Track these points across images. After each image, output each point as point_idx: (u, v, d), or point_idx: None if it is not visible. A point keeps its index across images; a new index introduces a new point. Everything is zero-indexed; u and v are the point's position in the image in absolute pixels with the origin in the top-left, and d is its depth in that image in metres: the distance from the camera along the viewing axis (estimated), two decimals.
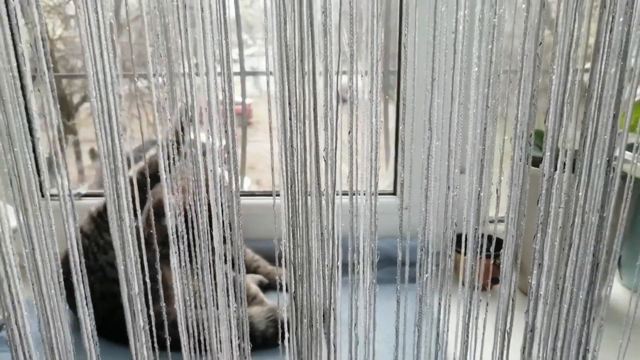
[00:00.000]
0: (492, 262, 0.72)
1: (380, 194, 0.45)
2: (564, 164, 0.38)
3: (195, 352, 0.47)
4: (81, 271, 0.43)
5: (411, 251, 0.45)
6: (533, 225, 0.40)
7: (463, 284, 0.45)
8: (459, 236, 0.45)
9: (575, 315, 0.41)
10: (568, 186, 0.38)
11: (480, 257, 0.45)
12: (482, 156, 0.40)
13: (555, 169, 0.38)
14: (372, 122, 0.39)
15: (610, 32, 0.33)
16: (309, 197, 0.40)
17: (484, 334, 0.45)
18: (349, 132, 0.39)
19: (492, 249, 0.49)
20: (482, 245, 0.44)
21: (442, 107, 0.39)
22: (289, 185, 0.40)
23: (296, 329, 0.44)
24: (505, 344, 0.43)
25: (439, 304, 0.45)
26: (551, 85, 0.36)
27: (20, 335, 0.44)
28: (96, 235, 0.79)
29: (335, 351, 0.44)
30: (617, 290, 0.80)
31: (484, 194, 0.41)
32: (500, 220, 0.42)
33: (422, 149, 0.40)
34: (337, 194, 0.40)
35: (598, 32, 0.34)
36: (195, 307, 0.45)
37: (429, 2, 0.37)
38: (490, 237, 0.47)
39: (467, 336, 0.45)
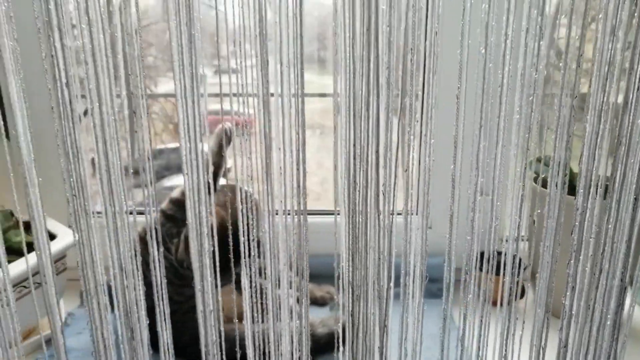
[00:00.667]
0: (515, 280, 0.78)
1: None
2: (595, 199, 0.43)
3: None
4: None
5: (438, 269, 0.50)
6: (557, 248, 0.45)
7: (497, 303, 0.50)
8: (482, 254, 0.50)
9: (604, 333, 0.46)
10: (599, 219, 0.43)
11: (504, 276, 0.50)
12: (522, 192, 0.45)
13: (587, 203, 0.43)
14: (426, 161, 0.44)
15: (638, 90, 0.39)
16: (368, 226, 0.46)
17: (520, 349, 0.50)
18: (406, 170, 0.45)
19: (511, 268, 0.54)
20: (505, 265, 0.49)
21: (488, 148, 0.45)
22: (350, 216, 0.46)
23: (352, 343, 0.49)
24: (541, 358, 0.48)
25: (481, 320, 0.50)
26: (585, 132, 0.42)
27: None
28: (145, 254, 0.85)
29: None
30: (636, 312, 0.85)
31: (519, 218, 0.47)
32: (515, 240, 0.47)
33: (469, 185, 0.46)
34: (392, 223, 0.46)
35: (627, 89, 0.40)
36: (262, 321, 0.51)
37: (478, 59, 0.43)
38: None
39: (505, 350, 0.50)
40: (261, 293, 0.50)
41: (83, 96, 0.44)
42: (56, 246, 0.79)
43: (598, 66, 0.40)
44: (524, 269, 0.55)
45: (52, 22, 0.41)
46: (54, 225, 0.84)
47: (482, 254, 0.50)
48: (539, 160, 0.57)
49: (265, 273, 0.50)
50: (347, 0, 0.40)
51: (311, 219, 0.47)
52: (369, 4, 0.40)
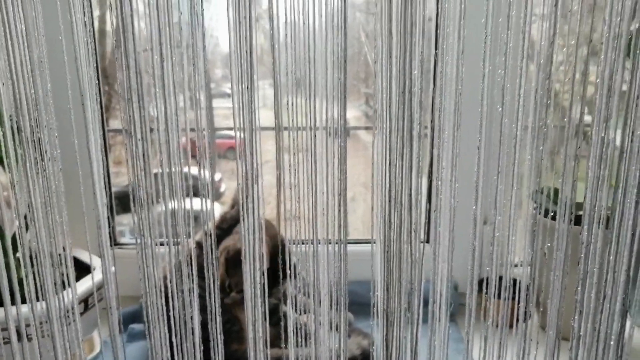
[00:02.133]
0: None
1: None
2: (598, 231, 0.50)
3: None
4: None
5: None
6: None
7: (514, 326, 0.56)
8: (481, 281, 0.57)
9: (608, 352, 0.53)
10: (602, 251, 0.50)
11: (509, 300, 0.56)
12: (535, 228, 0.52)
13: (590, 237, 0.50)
14: (451, 202, 0.51)
15: (632, 141, 0.46)
16: (401, 259, 0.52)
17: None
18: (434, 211, 0.52)
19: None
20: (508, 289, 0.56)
21: (504, 191, 0.52)
22: (385, 251, 0.52)
23: None
24: None
25: (500, 342, 0.56)
26: (587, 175, 0.49)
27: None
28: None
29: None
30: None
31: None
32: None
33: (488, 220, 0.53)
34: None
35: (622, 138, 0.47)
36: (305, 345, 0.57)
37: (495, 116, 0.50)
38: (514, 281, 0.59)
39: None
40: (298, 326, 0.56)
41: None
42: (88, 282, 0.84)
43: (597, 126, 0.47)
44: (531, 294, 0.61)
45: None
46: (89, 258, 0.89)
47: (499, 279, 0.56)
48: (548, 196, 0.64)
49: (306, 297, 0.56)
50: (386, 67, 0.48)
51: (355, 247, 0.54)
52: (404, 69, 0.47)
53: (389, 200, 0.51)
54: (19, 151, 0.51)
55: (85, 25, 0.50)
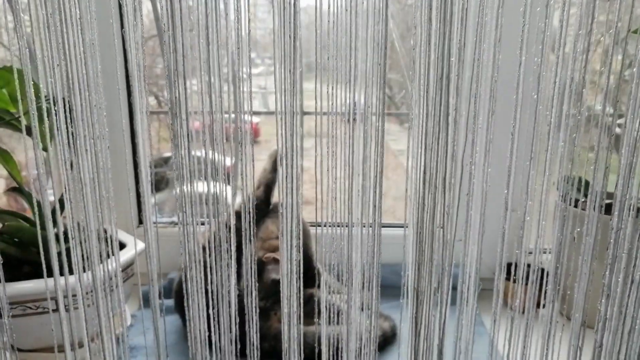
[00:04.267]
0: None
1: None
2: (628, 219, 0.51)
3: None
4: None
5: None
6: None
7: (539, 307, 0.58)
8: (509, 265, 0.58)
9: (633, 335, 0.54)
10: (631, 237, 0.52)
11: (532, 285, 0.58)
12: (565, 213, 0.53)
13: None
14: (483, 186, 0.53)
15: None
16: (433, 241, 0.54)
17: (559, 350, 0.58)
18: (467, 194, 0.53)
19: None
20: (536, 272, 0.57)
21: (535, 177, 0.53)
22: (418, 232, 0.54)
23: (414, 341, 0.57)
24: (578, 356, 0.56)
25: (526, 323, 0.58)
26: (620, 161, 0.50)
27: None
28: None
29: (442, 358, 0.58)
30: None
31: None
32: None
33: (518, 206, 0.54)
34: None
35: None
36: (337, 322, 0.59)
37: (530, 103, 0.51)
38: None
39: (547, 348, 0.58)
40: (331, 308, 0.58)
41: None
42: (127, 254, 0.88)
43: (634, 103, 0.48)
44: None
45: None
46: (123, 236, 0.92)
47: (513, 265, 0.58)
48: (580, 183, 0.65)
49: (339, 280, 0.58)
50: (425, 55, 0.49)
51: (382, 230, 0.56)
52: (442, 57, 0.49)
53: (424, 183, 0.52)
54: (70, 129, 0.53)
55: (135, 9, 0.52)
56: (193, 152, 0.56)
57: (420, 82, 0.50)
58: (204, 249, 0.93)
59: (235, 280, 0.59)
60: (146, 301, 0.62)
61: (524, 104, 0.51)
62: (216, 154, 0.56)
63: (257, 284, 0.59)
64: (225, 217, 0.75)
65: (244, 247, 0.58)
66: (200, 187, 0.58)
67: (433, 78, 0.50)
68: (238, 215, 0.89)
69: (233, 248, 0.57)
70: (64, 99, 0.52)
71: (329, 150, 0.54)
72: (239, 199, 0.88)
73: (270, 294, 0.85)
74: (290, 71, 0.50)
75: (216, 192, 0.59)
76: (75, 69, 0.52)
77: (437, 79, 0.49)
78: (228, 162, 0.58)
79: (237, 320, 0.60)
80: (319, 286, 0.59)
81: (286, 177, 0.53)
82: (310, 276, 0.59)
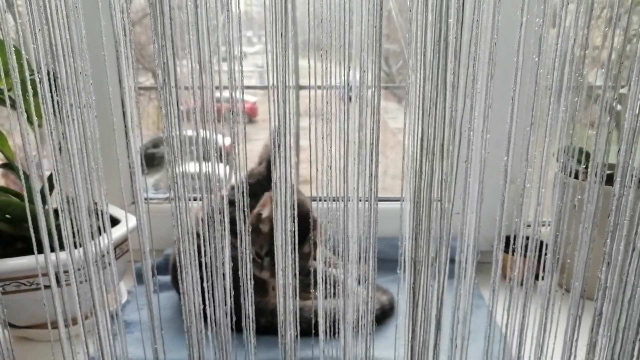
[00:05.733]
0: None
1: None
2: (630, 187, 0.50)
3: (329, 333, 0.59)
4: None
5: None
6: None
7: (538, 279, 0.57)
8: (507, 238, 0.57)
9: (634, 303, 0.53)
10: (633, 203, 0.50)
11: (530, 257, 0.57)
12: (566, 181, 0.52)
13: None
14: (482, 153, 0.51)
15: None
16: (430, 210, 0.53)
17: (558, 320, 0.57)
18: (465, 161, 0.52)
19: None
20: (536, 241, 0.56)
21: (536, 143, 0.52)
22: (415, 201, 0.53)
23: (412, 311, 0.57)
24: (577, 325, 0.55)
25: (525, 293, 0.57)
26: (623, 130, 0.49)
27: None
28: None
29: (441, 328, 0.57)
30: None
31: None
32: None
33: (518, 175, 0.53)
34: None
35: None
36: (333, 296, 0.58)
37: (531, 65, 0.50)
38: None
39: (546, 318, 0.57)
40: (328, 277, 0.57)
41: None
42: (120, 230, 0.87)
43: (637, 72, 0.46)
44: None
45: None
46: (116, 211, 0.91)
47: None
48: (580, 152, 0.64)
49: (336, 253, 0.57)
50: (422, 16, 0.47)
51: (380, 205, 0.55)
52: (441, 18, 0.47)
53: (421, 150, 0.51)
54: (55, 98, 0.51)
55: None
56: (186, 131, 0.54)
57: (417, 45, 0.49)
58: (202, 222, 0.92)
59: (230, 250, 0.58)
60: (141, 277, 0.61)
61: (525, 68, 0.50)
62: (207, 131, 0.55)
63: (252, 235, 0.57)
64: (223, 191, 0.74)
65: (237, 218, 0.56)
66: (194, 165, 0.56)
67: (430, 41, 0.48)
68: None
69: (226, 219, 0.56)
70: (47, 66, 0.50)
71: (324, 118, 0.52)
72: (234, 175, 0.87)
73: (264, 244, 0.83)
74: (282, 46, 0.48)
75: (208, 167, 0.58)
76: (59, 35, 0.50)
77: (434, 42, 0.47)
78: (221, 138, 0.56)
79: (232, 293, 0.59)
80: (315, 258, 0.58)
81: (279, 147, 0.51)
82: (306, 227, 0.58)
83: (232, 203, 0.85)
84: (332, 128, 0.52)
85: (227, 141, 0.56)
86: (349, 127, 0.51)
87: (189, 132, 0.55)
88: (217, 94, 0.53)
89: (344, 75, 0.50)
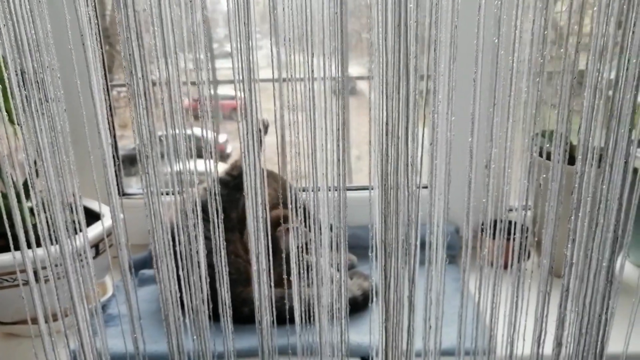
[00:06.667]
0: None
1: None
2: (592, 165, 0.51)
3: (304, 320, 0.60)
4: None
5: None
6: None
7: (507, 266, 0.58)
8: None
9: (600, 278, 0.54)
10: (595, 180, 0.51)
11: (507, 239, 0.57)
12: (530, 161, 0.53)
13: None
14: (447, 135, 0.52)
15: (627, 70, 0.47)
16: (399, 193, 0.53)
17: (529, 298, 0.58)
18: (431, 144, 0.52)
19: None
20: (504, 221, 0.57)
21: (500, 124, 0.53)
22: (383, 184, 0.54)
23: (385, 293, 0.58)
24: (547, 301, 0.57)
25: (495, 273, 0.58)
26: (582, 108, 0.49)
27: None
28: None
29: (414, 310, 0.58)
30: (626, 267, 0.93)
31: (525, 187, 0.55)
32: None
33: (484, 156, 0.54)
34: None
35: (618, 69, 0.47)
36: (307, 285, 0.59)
37: (491, 47, 0.50)
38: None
39: (517, 297, 0.58)
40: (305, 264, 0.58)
41: None
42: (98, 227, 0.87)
43: (594, 49, 0.47)
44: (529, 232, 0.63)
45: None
46: (98, 206, 0.91)
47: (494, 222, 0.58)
48: (543, 135, 0.65)
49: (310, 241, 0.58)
50: (382, 0, 0.48)
51: (349, 193, 0.56)
52: (399, 2, 0.47)
53: (386, 134, 0.52)
54: (24, 92, 0.52)
55: None
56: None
57: (378, 29, 0.49)
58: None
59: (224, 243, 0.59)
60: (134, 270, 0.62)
61: (485, 50, 0.50)
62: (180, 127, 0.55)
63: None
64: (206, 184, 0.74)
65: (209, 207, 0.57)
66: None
67: (391, 25, 0.48)
68: (223, 182, 0.89)
69: (199, 209, 0.57)
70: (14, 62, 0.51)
71: (290, 106, 0.53)
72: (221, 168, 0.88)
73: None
74: (246, 37, 0.48)
75: (183, 158, 0.58)
76: (24, 29, 0.50)
77: (394, 26, 0.48)
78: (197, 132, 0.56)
79: (209, 281, 0.60)
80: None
81: (247, 133, 0.52)
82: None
83: (225, 184, 0.87)
84: (298, 117, 0.53)
85: (198, 132, 0.56)
86: (315, 115, 0.52)
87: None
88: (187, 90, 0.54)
89: (308, 64, 0.51)
